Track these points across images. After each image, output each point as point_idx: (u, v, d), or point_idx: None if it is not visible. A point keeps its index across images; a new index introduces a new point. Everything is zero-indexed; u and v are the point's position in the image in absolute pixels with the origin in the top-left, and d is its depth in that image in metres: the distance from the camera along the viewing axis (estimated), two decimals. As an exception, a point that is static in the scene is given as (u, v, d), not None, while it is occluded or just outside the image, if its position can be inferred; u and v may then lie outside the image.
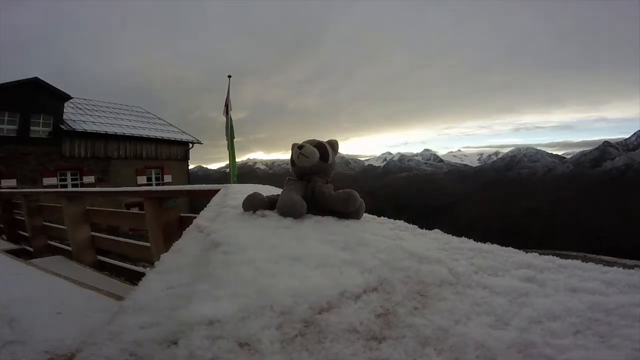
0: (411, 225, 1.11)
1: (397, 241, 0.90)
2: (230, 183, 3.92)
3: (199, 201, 2.14)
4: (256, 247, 0.79)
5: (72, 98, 13.17)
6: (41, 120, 12.05)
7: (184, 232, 1.11)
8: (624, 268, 0.71)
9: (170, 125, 16.84)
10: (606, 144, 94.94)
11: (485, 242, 0.91)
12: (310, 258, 0.73)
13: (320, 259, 0.73)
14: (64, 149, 12.48)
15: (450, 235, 1.00)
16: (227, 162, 8.01)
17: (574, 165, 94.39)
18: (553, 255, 0.79)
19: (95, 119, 13.94)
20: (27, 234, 4.36)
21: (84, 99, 15.31)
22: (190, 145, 16.33)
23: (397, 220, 1.17)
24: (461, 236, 0.99)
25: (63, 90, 12.72)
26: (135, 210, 8.11)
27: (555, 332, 0.50)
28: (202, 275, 0.65)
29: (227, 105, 7.76)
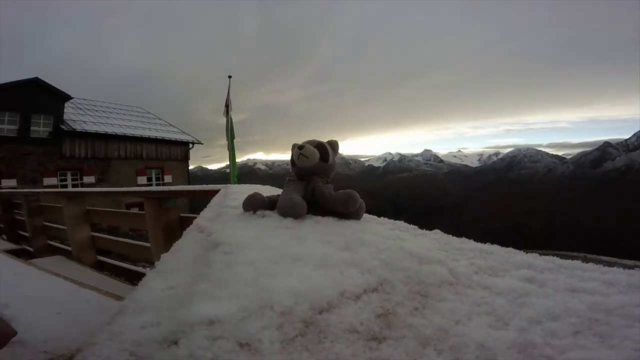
0: (411, 226, 1.11)
1: (398, 242, 0.89)
2: (230, 183, 3.92)
3: (199, 201, 2.14)
4: (256, 247, 0.79)
5: (72, 98, 13.18)
6: (41, 120, 12.06)
7: (184, 232, 1.11)
8: (624, 268, 0.71)
9: (170, 125, 16.84)
10: (606, 144, 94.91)
11: (485, 243, 0.91)
12: (311, 258, 0.73)
13: (320, 259, 0.73)
14: (64, 149, 12.49)
15: (451, 235, 1.00)
16: (227, 162, 8.00)
17: (574, 166, 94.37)
18: (553, 256, 0.78)
19: (96, 119, 13.95)
20: (27, 234, 4.37)
21: (84, 99, 15.32)
22: (191, 145, 16.34)
23: (397, 221, 1.17)
24: (461, 237, 0.98)
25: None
26: (135, 210, 8.10)
27: (555, 332, 0.50)
28: (202, 276, 0.65)
29: (227, 106, 7.76)
